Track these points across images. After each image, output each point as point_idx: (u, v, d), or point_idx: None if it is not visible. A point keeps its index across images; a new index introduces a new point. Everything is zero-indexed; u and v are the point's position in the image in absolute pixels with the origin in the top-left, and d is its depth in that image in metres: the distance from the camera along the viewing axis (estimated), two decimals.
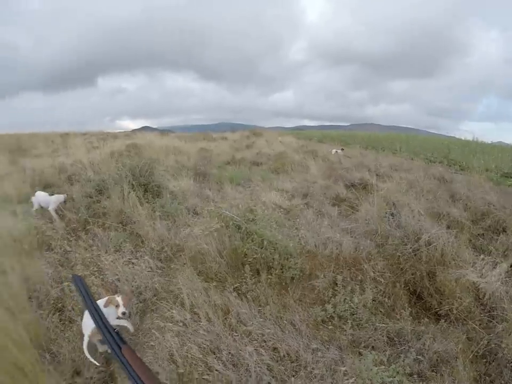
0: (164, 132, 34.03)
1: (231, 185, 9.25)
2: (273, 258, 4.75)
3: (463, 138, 22.05)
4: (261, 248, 4.77)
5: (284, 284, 4.69)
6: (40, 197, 7.50)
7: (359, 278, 4.75)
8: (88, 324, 3.30)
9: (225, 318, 3.93)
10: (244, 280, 4.53)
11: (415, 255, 5.17)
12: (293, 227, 6.22)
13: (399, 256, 5.22)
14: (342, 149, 15.34)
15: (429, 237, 5.24)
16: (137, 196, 7.16)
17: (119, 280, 4.66)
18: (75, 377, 3.36)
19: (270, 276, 4.64)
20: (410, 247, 5.25)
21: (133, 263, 5.05)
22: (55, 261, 5.31)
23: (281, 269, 4.77)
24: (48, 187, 9.85)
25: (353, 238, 5.77)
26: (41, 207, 7.43)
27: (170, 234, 6.18)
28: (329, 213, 7.11)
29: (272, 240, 4.82)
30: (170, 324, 3.80)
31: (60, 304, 4.33)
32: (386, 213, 6.25)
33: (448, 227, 5.99)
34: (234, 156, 15.49)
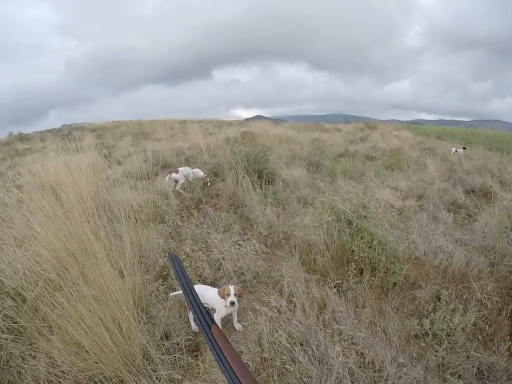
0: (276, 121, 34.48)
1: (343, 178, 9.30)
2: (379, 260, 4.78)
3: None
4: (369, 247, 4.82)
5: (385, 288, 4.70)
6: (185, 171, 8.50)
7: (465, 297, 4.51)
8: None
9: (320, 313, 3.98)
10: (346, 278, 4.65)
11: None
12: (404, 230, 6.14)
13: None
14: (464, 148, 14.23)
15: None
16: (251, 181, 7.56)
17: (223, 259, 4.91)
18: (164, 340, 3.65)
19: (372, 278, 4.69)
20: None
21: (239, 245, 5.28)
22: (166, 233, 5.85)
23: (386, 272, 4.78)
24: (166, 167, 11.04)
25: (466, 251, 5.49)
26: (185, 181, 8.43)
27: (279, 221, 6.49)
28: (444, 219, 6.85)
29: (382, 241, 4.86)
30: (266, 308, 3.88)
31: (164, 273, 4.83)
32: (506, 228, 5.83)
33: None
34: (348, 149, 15.37)
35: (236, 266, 4.88)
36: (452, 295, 4.50)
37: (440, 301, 4.34)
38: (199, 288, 3.84)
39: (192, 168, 8.88)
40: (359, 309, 4.21)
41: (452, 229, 6.42)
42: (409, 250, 5.53)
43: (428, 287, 4.68)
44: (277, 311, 3.93)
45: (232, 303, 3.54)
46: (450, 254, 5.36)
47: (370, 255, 4.79)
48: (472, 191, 8.66)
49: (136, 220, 5.13)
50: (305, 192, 8.20)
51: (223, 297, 3.59)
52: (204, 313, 1.18)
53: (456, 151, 13.95)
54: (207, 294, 3.76)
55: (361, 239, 4.93)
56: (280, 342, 3.44)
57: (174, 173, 8.29)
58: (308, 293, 4.18)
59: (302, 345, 3.48)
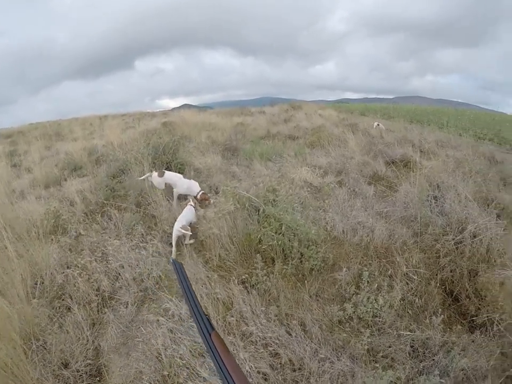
0: (202, 108, 33.69)
1: (261, 161, 8.73)
2: (291, 246, 4.23)
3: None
4: (278, 234, 4.24)
5: (300, 275, 4.20)
6: (172, 178, 6.60)
7: (389, 272, 4.15)
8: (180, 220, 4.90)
9: (227, 314, 3.57)
10: (254, 271, 4.05)
11: (456, 248, 4.44)
12: (321, 209, 5.58)
13: (438, 248, 4.51)
14: (378, 124, 14.26)
15: (475, 228, 4.50)
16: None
17: (122, 267, 4.39)
18: (62, 368, 3.26)
19: (285, 266, 4.15)
20: (453, 239, 4.52)
21: (141, 248, 4.75)
22: (67, 245, 5.20)
23: (300, 259, 4.24)
24: (76, 170, 10.03)
25: (388, 223, 5.08)
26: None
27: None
28: (364, 192, 6.43)
29: (292, 225, 4.25)
30: (163, 319, 3.47)
31: (60, 292, 4.17)
32: (428, 196, 5.47)
33: (498, 216, 5.16)
34: (270, 130, 14.79)
35: (135, 273, 4.38)
36: (374, 273, 4.14)
37: (362, 281, 3.93)
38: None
39: (188, 178, 6.70)
40: (273, 304, 3.76)
41: (374, 202, 6.00)
42: (326, 231, 4.98)
43: (348, 267, 4.30)
44: (178, 319, 3.49)
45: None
46: (371, 229, 4.91)
47: (280, 242, 4.21)
48: (392, 162, 8.34)
49: (37, 234, 4.90)
50: (218, 179, 7.47)
51: None
52: (204, 320, 1.16)
53: (378, 125, 13.90)
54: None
55: (269, 225, 4.31)
56: (180, 355, 3.07)
57: (155, 173, 6.58)
58: (210, 294, 3.76)
59: (204, 356, 3.09)
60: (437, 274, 4.22)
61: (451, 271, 4.23)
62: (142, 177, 6.64)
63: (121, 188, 7.24)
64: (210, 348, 1.07)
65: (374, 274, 4.10)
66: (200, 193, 6.08)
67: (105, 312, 3.91)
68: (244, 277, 4.04)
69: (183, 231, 4.94)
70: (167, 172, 6.62)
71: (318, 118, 18.04)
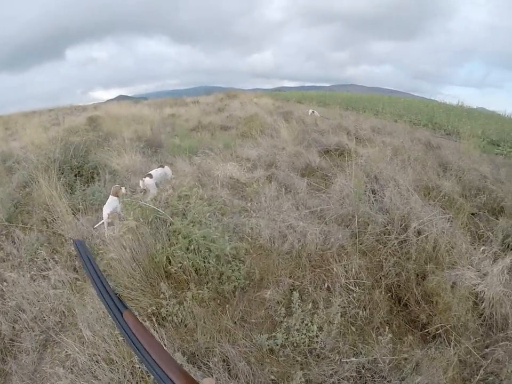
0: (137, 99, 32.42)
1: (185, 157, 7.86)
2: (208, 263, 3.48)
3: (446, 102, 21.49)
4: (190, 252, 3.44)
5: (221, 298, 3.48)
6: (158, 174, 6.17)
7: (326, 285, 3.57)
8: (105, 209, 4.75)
9: (131, 361, 2.88)
10: (164, 301, 3.28)
11: (401, 248, 3.93)
12: (243, 212, 4.85)
13: (380, 249, 3.97)
14: (313, 112, 13.85)
15: (419, 224, 4.01)
16: (67, 183, 6.21)
17: (19, 307, 3.79)
18: None
19: (200, 291, 3.38)
20: (396, 238, 3.98)
21: (42, 277, 4.18)
22: None
23: (219, 279, 3.51)
24: None
25: (322, 224, 4.39)
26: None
27: (96, 232, 5.09)
28: (296, 188, 5.75)
29: (203, 241, 3.46)
30: (62, 370, 2.87)
31: None
32: (366, 190, 4.89)
33: (442, 208, 4.75)
34: (201, 121, 13.98)
35: (35, 311, 3.76)
36: (308, 287, 3.56)
37: (293, 301, 3.25)
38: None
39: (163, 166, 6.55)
40: (187, 337, 3.11)
41: (306, 198, 5.32)
42: (251, 238, 4.27)
43: (277, 282, 3.67)
44: (79, 369, 2.92)
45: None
46: (302, 234, 4.20)
47: (192, 261, 3.43)
48: (327, 152, 7.78)
49: None
50: (137, 182, 6.50)
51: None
52: (114, 299, 1.07)
53: (313, 112, 13.54)
54: None
55: (176, 243, 3.49)
56: None
57: (146, 178, 5.93)
58: (113, 335, 3.08)
59: None
60: (381, 281, 3.68)
61: (396, 275, 3.71)
62: (141, 186, 5.87)
63: (30, 200, 6.40)
64: (123, 328, 0.97)
65: (308, 290, 3.50)
66: (112, 188, 5.38)
67: (8, 362, 3.34)
68: (150, 310, 3.27)
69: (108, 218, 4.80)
70: (152, 171, 6.15)
71: (252, 107, 17.41)
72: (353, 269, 3.68)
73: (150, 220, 3.70)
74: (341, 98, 24.07)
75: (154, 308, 3.28)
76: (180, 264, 3.42)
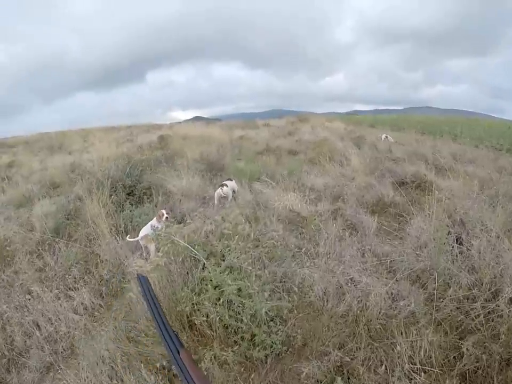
0: (211, 120, 33.27)
1: (245, 183, 7.33)
2: (240, 321, 2.85)
3: None
4: (218, 305, 2.85)
5: (249, 362, 2.81)
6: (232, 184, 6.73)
7: (383, 367, 2.69)
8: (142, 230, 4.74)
9: None
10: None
11: (487, 320, 2.95)
12: (297, 256, 4.11)
13: (461, 320, 3.04)
14: (386, 137, 12.89)
15: None
16: (115, 202, 6.09)
17: (35, 323, 3.70)
18: None
19: (224, 352, 2.74)
20: (482, 306, 3.01)
21: (67, 297, 4.08)
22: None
23: (251, 340, 2.84)
24: (53, 188, 9.43)
25: (392, 281, 3.52)
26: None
27: (132, 257, 4.81)
28: (364, 227, 4.95)
29: (236, 297, 2.83)
30: None
31: None
32: (449, 237, 3.95)
33: None
34: (269, 144, 13.49)
35: (50, 330, 3.66)
36: (358, 368, 2.70)
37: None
38: None
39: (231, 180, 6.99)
40: None
41: (375, 242, 4.49)
42: (302, 292, 3.54)
43: (323, 355, 2.88)
44: None
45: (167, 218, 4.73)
46: (365, 292, 3.40)
47: (219, 316, 2.83)
48: (402, 183, 6.88)
49: None
50: (187, 207, 6.08)
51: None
52: (172, 337, 1.10)
53: (386, 137, 12.67)
54: None
55: (205, 292, 2.92)
56: None
57: (223, 188, 6.29)
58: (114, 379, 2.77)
59: None
60: (456, 365, 2.69)
61: (476, 359, 2.68)
62: (216, 200, 6.29)
63: (80, 214, 6.40)
64: (179, 366, 0.99)
65: (359, 370, 2.67)
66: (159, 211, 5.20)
67: (12, 373, 3.30)
68: (159, 363, 2.76)
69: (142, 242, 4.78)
70: (228, 182, 6.63)
71: (323, 131, 16.71)
72: (422, 350, 2.78)
73: (181, 258, 3.16)
74: (416, 121, 22.52)
75: (167, 362, 2.74)
76: (206, 318, 2.84)
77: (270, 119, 26.70)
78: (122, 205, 6.24)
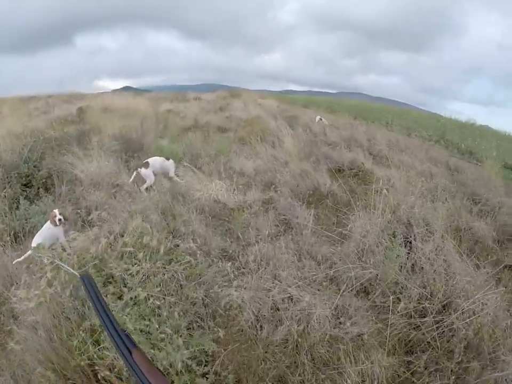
0: (139, 91, 31.49)
1: None
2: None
3: (457, 119, 20.52)
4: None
5: None
6: (156, 164, 6.01)
7: None
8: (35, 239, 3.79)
9: None
10: None
11: (440, 336, 2.65)
12: (221, 271, 3.26)
13: (412, 338, 2.67)
14: (321, 119, 12.52)
15: (468, 304, 2.77)
16: (9, 197, 5.00)
17: None
18: None
19: None
20: (434, 320, 2.71)
21: None
22: None
23: None
24: None
25: (334, 293, 2.99)
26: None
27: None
28: (300, 222, 4.33)
29: (141, 347, 2.04)
30: None
31: None
32: (395, 238, 3.49)
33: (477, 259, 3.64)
34: (198, 120, 12.60)
35: None
36: None
37: None
38: None
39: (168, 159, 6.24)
40: None
41: (313, 241, 3.89)
42: (229, 318, 2.86)
43: None
44: None
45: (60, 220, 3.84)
46: (305, 313, 2.78)
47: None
48: (339, 171, 6.37)
49: None
50: (97, 199, 5.09)
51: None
52: (123, 337, 1.00)
53: (320, 119, 12.20)
54: None
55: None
56: None
57: (142, 168, 5.79)
58: None
59: None
60: None
61: (430, 376, 2.42)
62: (131, 179, 5.77)
63: None
64: (132, 367, 0.91)
65: None
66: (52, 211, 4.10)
67: None
68: None
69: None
70: (150, 159, 5.99)
71: (256, 108, 16.05)
72: (373, 378, 2.31)
73: (69, 291, 2.32)
74: (349, 106, 23.00)
75: None
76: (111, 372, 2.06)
77: (202, 93, 25.56)
78: (18, 200, 5.01)
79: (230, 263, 3.26)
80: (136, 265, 2.58)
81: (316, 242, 3.87)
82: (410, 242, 3.43)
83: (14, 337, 2.58)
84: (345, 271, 3.23)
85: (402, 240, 3.42)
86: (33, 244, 3.70)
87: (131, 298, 2.35)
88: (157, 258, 2.68)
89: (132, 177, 5.78)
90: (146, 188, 5.55)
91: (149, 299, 2.37)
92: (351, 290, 3.07)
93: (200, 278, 2.93)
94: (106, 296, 2.43)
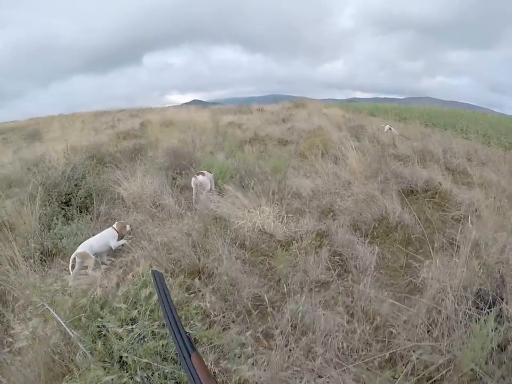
0: (207, 104, 32.12)
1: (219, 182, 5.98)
2: None
3: None
4: None
5: None
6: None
7: None
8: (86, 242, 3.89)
9: None
10: None
11: None
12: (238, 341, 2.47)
13: None
14: (390, 128, 11.35)
15: None
16: (50, 213, 4.91)
17: None
18: None
19: None
20: None
21: None
22: None
23: None
24: (12, 187, 7.56)
25: (390, 375, 2.13)
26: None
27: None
28: (359, 263, 3.50)
29: None
30: None
31: None
32: (483, 298, 2.58)
33: None
34: (258, 133, 11.97)
35: None
36: None
37: None
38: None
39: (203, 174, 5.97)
40: None
41: (372, 295, 3.00)
42: None
43: None
44: None
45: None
46: None
47: None
48: (411, 192, 5.40)
49: None
50: (137, 219, 4.67)
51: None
52: (185, 339, 0.99)
53: (390, 128, 11.12)
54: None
55: None
56: None
57: (199, 176, 5.71)
58: None
59: None
60: None
61: None
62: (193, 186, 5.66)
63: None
64: (190, 370, 0.91)
65: None
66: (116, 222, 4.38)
67: None
68: None
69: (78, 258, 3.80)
70: (205, 171, 5.98)
71: (320, 118, 15.18)
72: None
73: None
74: (418, 112, 21.31)
75: None
76: None
77: (267, 104, 25.13)
78: (55, 218, 4.84)
79: (251, 331, 2.49)
80: (128, 324, 2.00)
81: (376, 296, 3.00)
82: (501, 309, 2.47)
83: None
84: (408, 349, 2.33)
85: (490, 302, 2.48)
86: (80, 250, 3.81)
87: (117, 362, 1.78)
88: (158, 315, 2.07)
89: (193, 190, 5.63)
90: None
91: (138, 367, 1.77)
92: (413, 377, 2.19)
93: (211, 343, 2.26)
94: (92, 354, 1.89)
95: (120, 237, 4.18)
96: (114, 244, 4.10)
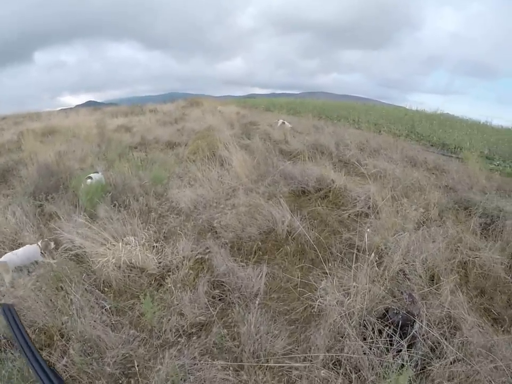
0: (102, 105, 30.58)
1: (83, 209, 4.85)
2: None
3: (424, 110, 19.57)
4: None
5: None
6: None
7: None
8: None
9: None
10: None
11: None
12: None
13: None
14: (283, 122, 11.20)
15: None
16: None
17: None
18: None
19: None
20: None
21: None
22: None
23: None
24: None
25: None
26: None
27: None
28: (242, 292, 2.94)
29: None
30: None
31: None
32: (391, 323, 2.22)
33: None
34: (144, 136, 11.15)
35: None
36: None
37: None
38: None
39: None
40: None
41: (262, 334, 2.47)
42: None
43: None
44: None
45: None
46: None
47: None
48: (303, 193, 5.00)
49: None
50: None
51: None
52: (48, 372, 0.95)
53: (283, 123, 10.98)
54: None
55: None
56: None
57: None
58: None
59: None
60: None
61: None
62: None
63: None
64: None
65: None
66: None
67: None
68: None
69: None
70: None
71: (214, 117, 14.60)
72: None
73: None
74: (313, 105, 21.95)
75: None
76: None
77: (162, 103, 24.40)
78: None
79: None
80: None
81: (266, 332, 2.46)
82: (416, 336, 2.07)
83: None
84: None
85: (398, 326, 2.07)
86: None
87: None
88: None
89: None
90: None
91: None
92: None
93: None
94: None
95: (44, 254, 3.91)
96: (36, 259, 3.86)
